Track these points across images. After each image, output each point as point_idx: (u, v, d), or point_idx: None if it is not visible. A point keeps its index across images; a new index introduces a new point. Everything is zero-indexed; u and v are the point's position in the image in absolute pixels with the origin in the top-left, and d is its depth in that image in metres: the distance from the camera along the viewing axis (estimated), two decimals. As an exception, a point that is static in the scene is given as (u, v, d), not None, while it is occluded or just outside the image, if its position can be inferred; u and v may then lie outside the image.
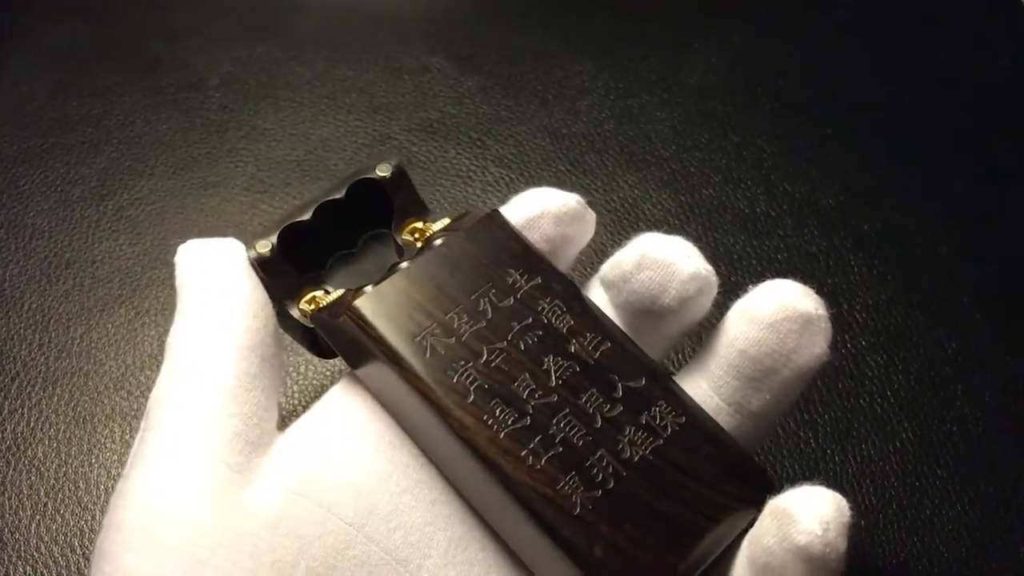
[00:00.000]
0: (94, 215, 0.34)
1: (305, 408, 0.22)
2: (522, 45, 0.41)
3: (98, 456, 0.28)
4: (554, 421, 0.19)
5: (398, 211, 0.23)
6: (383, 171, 0.23)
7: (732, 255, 0.34)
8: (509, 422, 0.19)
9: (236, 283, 0.21)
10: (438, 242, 0.21)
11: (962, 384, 0.31)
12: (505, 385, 0.19)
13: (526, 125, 0.38)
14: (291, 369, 0.30)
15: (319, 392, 0.29)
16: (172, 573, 0.17)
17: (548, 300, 0.20)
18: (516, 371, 0.19)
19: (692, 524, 0.18)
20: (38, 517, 0.27)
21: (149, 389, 0.30)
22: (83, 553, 0.27)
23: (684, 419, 0.19)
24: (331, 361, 0.30)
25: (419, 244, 0.23)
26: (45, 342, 0.31)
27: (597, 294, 0.22)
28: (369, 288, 0.20)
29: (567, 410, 0.19)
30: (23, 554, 0.26)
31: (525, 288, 0.21)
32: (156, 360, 0.31)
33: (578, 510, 0.18)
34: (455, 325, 0.20)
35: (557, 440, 0.19)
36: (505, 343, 0.20)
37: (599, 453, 0.19)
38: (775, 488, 0.19)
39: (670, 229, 0.35)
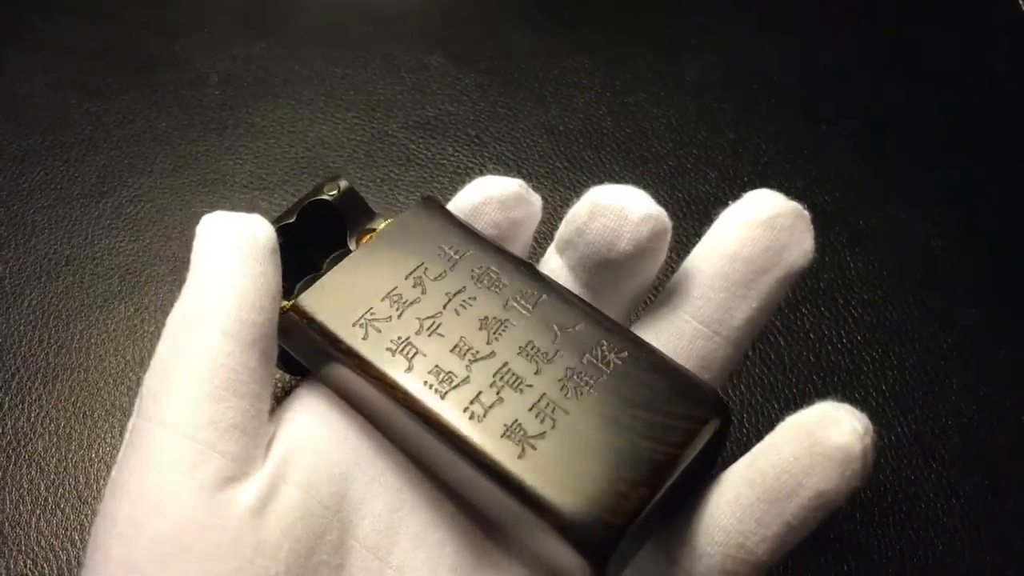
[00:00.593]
0: (94, 212, 0.35)
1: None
2: (519, 43, 0.42)
3: (98, 451, 0.29)
4: (494, 376, 0.19)
5: (350, 225, 0.24)
6: (331, 191, 0.24)
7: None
8: (447, 386, 0.19)
9: (249, 270, 0.20)
10: (376, 234, 0.22)
11: (957, 378, 0.31)
12: (443, 352, 0.20)
13: (523, 122, 0.38)
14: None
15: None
16: (159, 559, 0.17)
17: (480, 267, 0.21)
18: (453, 337, 0.20)
19: (644, 451, 0.18)
20: (38, 511, 0.27)
21: (149, 385, 0.30)
22: (83, 547, 0.27)
23: (626, 353, 0.19)
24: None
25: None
26: (45, 338, 0.31)
27: (553, 263, 0.23)
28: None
29: (506, 364, 0.19)
30: (24, 548, 0.27)
31: (458, 261, 0.21)
32: (156, 356, 0.31)
33: (523, 454, 0.18)
34: (392, 305, 0.20)
35: (499, 393, 0.19)
36: (441, 313, 0.20)
37: (543, 398, 0.19)
38: (728, 409, 0.19)
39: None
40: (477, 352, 0.20)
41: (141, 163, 0.36)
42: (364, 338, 0.20)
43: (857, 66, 0.42)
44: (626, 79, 0.40)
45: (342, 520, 0.20)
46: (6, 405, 0.29)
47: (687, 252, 0.34)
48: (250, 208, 0.35)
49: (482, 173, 0.37)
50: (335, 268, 0.21)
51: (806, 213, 0.21)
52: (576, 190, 0.36)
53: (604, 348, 0.20)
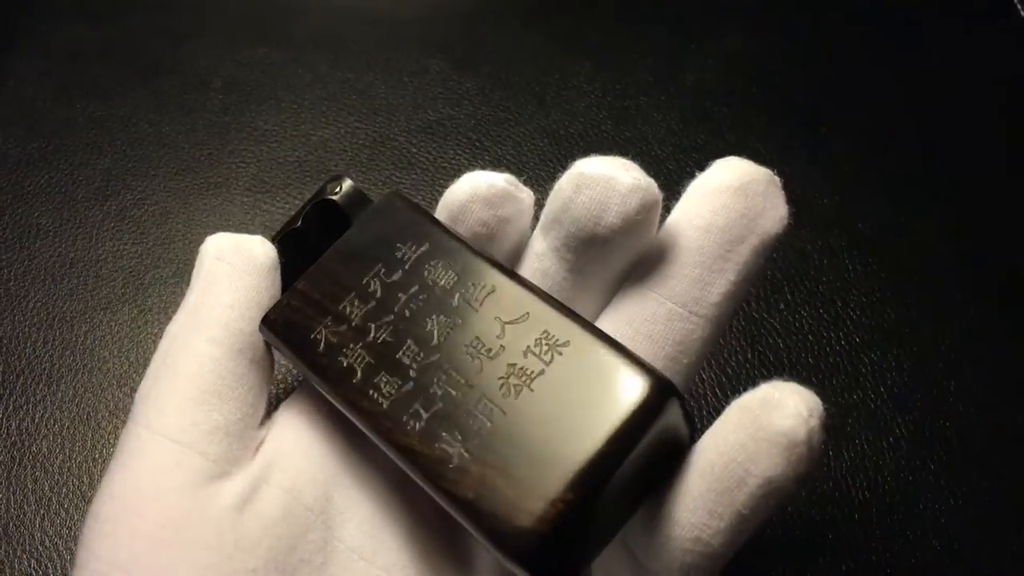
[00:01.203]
0: (98, 215, 0.35)
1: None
2: (520, 47, 0.42)
3: (101, 452, 0.29)
4: (435, 380, 0.19)
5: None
6: (331, 190, 0.24)
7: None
8: (392, 391, 0.19)
9: (242, 284, 0.21)
10: (339, 239, 0.22)
11: (955, 380, 0.31)
12: (389, 356, 0.19)
13: (524, 126, 0.39)
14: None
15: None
16: (140, 555, 0.18)
17: (433, 263, 0.20)
18: (400, 340, 0.20)
19: (576, 452, 0.17)
20: (42, 512, 0.27)
21: (152, 386, 0.31)
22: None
23: (569, 345, 0.18)
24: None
25: None
26: (49, 340, 0.31)
27: (538, 246, 0.21)
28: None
29: (449, 364, 0.19)
30: (28, 548, 0.27)
31: (412, 258, 0.21)
32: (159, 357, 0.31)
33: (455, 463, 0.17)
34: (347, 313, 0.20)
35: (438, 397, 0.18)
36: (392, 316, 0.20)
37: (480, 400, 0.18)
38: (678, 396, 0.17)
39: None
40: (424, 355, 0.19)
41: (145, 167, 0.37)
42: (321, 351, 0.20)
43: (857, 70, 0.42)
44: (626, 83, 0.41)
45: (326, 522, 0.20)
46: (11, 406, 0.30)
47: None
48: (252, 211, 0.35)
49: (483, 176, 0.37)
50: (297, 281, 0.21)
51: (777, 179, 0.20)
52: (576, 193, 0.36)
53: (546, 341, 0.18)
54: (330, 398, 0.20)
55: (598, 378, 0.17)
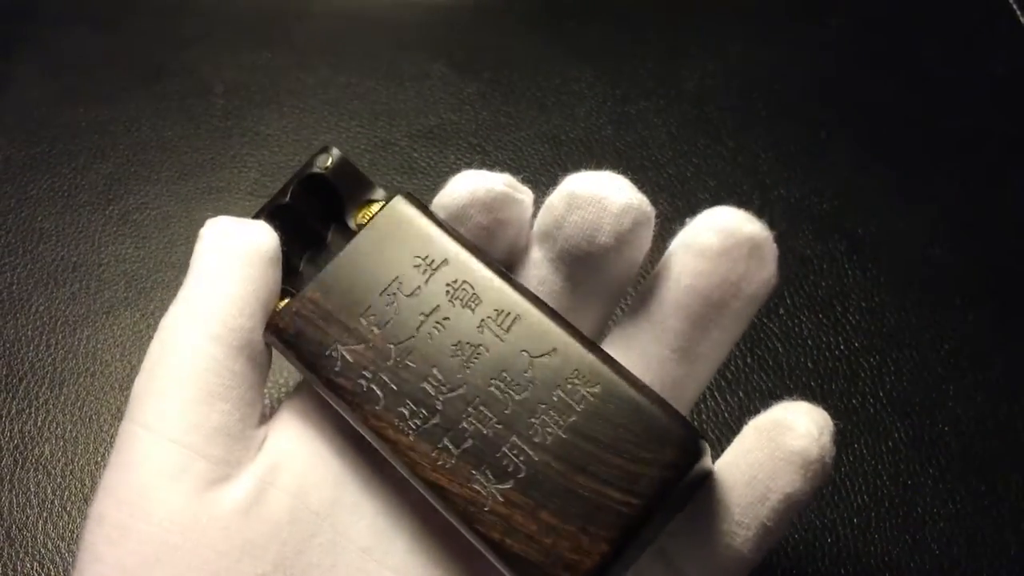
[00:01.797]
0: (100, 220, 0.35)
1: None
2: (521, 52, 0.42)
3: (104, 455, 0.29)
4: (464, 414, 0.18)
5: (348, 198, 0.23)
6: (322, 163, 0.23)
7: (728, 258, 0.35)
8: (418, 422, 0.18)
9: (243, 276, 0.20)
10: (350, 243, 0.21)
11: (954, 385, 0.31)
12: (414, 384, 0.19)
13: (525, 131, 0.39)
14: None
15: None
16: (147, 559, 0.18)
17: (455, 282, 0.20)
18: (424, 367, 0.19)
19: (609, 501, 0.17)
20: (45, 514, 0.28)
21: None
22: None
23: (599, 387, 0.18)
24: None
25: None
26: (52, 344, 0.31)
27: (535, 254, 0.21)
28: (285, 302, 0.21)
29: (477, 399, 0.18)
30: (30, 551, 0.27)
31: (432, 274, 0.20)
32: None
33: (489, 505, 0.18)
34: (363, 329, 0.19)
35: (467, 434, 0.18)
36: (413, 338, 0.19)
37: (511, 440, 0.18)
38: (706, 451, 0.18)
39: (667, 233, 0.35)
40: (449, 384, 0.19)
41: (147, 171, 0.37)
42: (339, 369, 0.19)
43: (856, 75, 0.42)
44: (627, 88, 0.41)
45: (334, 524, 0.20)
46: (13, 409, 0.30)
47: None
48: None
49: (484, 181, 0.37)
50: (308, 286, 0.20)
51: (766, 235, 0.19)
52: (577, 198, 0.37)
53: (577, 380, 0.18)
54: (348, 419, 0.19)
55: (631, 426, 0.17)
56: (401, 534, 0.20)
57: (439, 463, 0.18)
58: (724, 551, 0.18)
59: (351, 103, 0.40)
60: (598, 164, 0.38)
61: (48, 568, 0.27)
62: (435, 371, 0.19)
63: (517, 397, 0.18)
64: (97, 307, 0.32)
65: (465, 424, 0.18)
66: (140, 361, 0.31)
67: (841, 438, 0.30)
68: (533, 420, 0.18)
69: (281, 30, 0.43)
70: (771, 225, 0.36)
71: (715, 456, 0.19)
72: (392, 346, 0.19)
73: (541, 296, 0.20)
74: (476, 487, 0.18)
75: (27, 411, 0.30)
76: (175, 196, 0.36)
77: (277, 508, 0.19)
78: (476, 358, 0.19)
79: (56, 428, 0.29)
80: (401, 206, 0.21)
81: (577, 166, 0.38)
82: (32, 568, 0.27)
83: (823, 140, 0.39)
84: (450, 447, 0.18)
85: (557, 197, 0.20)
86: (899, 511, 0.29)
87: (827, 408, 0.31)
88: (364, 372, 0.19)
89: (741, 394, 0.31)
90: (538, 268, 0.21)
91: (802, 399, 0.19)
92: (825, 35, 0.44)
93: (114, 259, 0.34)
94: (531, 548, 0.17)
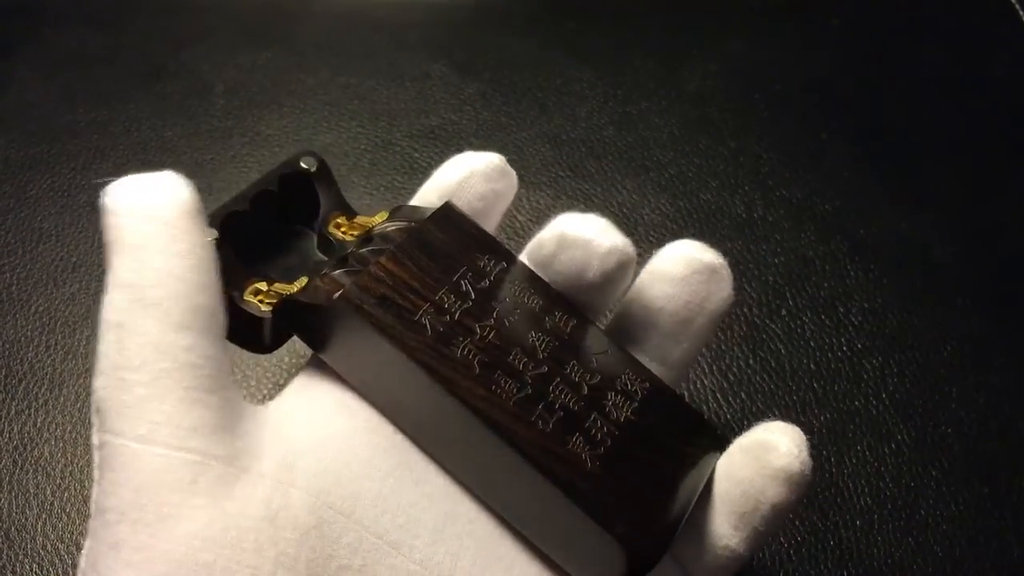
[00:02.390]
0: (100, 220, 0.35)
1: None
2: (522, 52, 0.42)
3: (104, 456, 0.29)
4: (550, 389, 0.20)
5: (324, 204, 0.24)
6: (307, 164, 0.24)
7: (729, 260, 0.34)
8: (514, 391, 0.20)
9: (184, 246, 0.18)
10: (397, 230, 0.22)
11: (957, 386, 0.31)
12: (502, 359, 0.20)
13: (526, 131, 0.39)
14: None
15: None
16: None
17: (517, 283, 0.22)
18: (508, 346, 0.20)
19: (676, 474, 0.20)
20: (44, 516, 0.27)
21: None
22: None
23: (648, 384, 0.22)
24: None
25: (349, 237, 0.23)
26: (52, 344, 0.31)
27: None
28: (337, 273, 0.20)
29: (558, 379, 0.20)
30: (29, 552, 0.27)
31: (495, 272, 0.22)
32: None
33: (589, 466, 0.19)
34: (446, 305, 0.20)
35: (557, 406, 0.20)
36: (492, 321, 0.21)
37: (593, 416, 0.20)
38: (726, 441, 0.21)
39: (668, 233, 0.35)
40: (532, 365, 0.20)
41: (147, 171, 0.36)
42: (426, 332, 0.20)
43: (858, 75, 0.42)
44: (628, 88, 0.41)
45: (360, 520, 0.19)
46: (13, 410, 0.30)
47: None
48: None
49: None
50: (381, 259, 0.20)
51: (721, 263, 0.22)
52: (579, 199, 0.37)
53: (630, 377, 0.21)
54: (438, 387, 0.19)
55: (678, 417, 0.22)
56: (424, 526, 0.19)
57: (539, 428, 0.19)
58: (722, 551, 0.20)
59: (351, 103, 0.39)
60: (599, 164, 0.38)
61: (47, 569, 0.27)
62: (518, 351, 0.20)
63: (589, 382, 0.21)
64: (97, 308, 0.32)
65: (552, 398, 0.20)
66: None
67: (844, 440, 0.30)
68: (606, 402, 0.20)
69: (281, 30, 0.42)
70: (773, 226, 0.36)
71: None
72: (476, 324, 0.20)
73: None
74: (575, 451, 0.19)
75: (27, 412, 0.30)
76: (175, 196, 0.36)
77: (301, 511, 0.18)
78: (550, 347, 0.21)
79: (56, 429, 0.29)
80: (454, 210, 0.23)
81: (578, 167, 0.38)
82: (31, 569, 0.26)
83: (825, 141, 0.39)
84: (545, 415, 0.20)
85: (548, 235, 0.22)
86: (902, 513, 0.28)
87: (830, 409, 0.31)
88: (454, 341, 0.20)
89: (744, 395, 0.31)
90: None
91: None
92: (826, 35, 0.44)
93: (114, 259, 0.34)
94: (625, 509, 0.19)
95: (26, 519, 0.27)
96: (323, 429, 0.20)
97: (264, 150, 0.38)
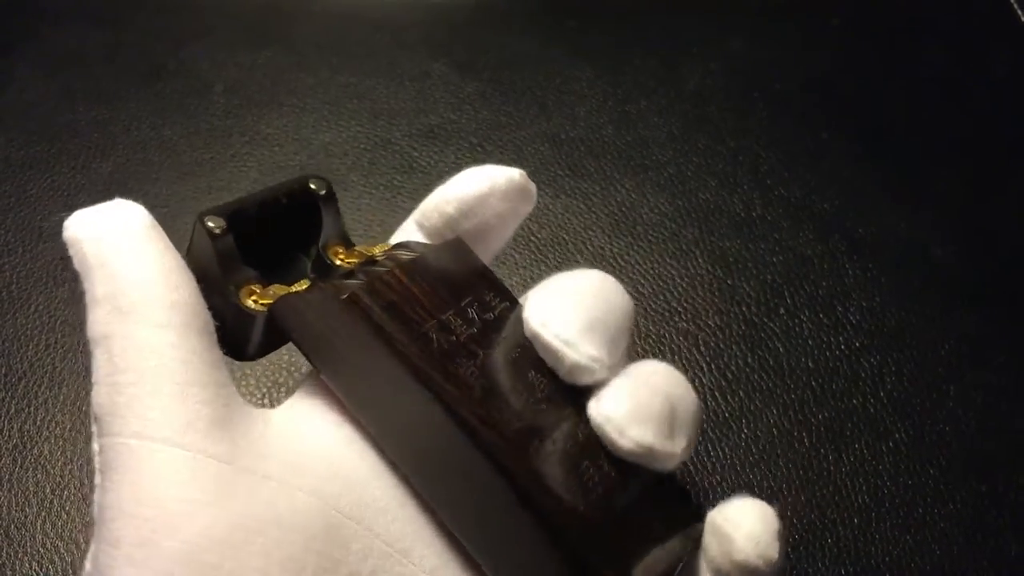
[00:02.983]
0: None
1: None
2: (521, 51, 0.42)
3: (103, 454, 0.29)
4: (547, 427, 0.19)
5: (326, 230, 0.23)
6: (317, 186, 0.23)
7: (728, 258, 0.35)
8: (513, 421, 0.19)
9: (148, 254, 0.19)
10: (404, 255, 0.21)
11: (954, 385, 0.31)
12: (503, 388, 0.19)
13: (525, 130, 0.39)
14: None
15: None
16: None
17: (520, 324, 0.21)
18: (509, 379, 0.20)
19: (664, 534, 0.20)
20: (43, 513, 0.28)
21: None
22: (88, 549, 0.27)
23: None
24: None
25: (347, 264, 0.22)
26: (52, 343, 0.31)
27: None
28: (345, 280, 0.20)
29: (555, 419, 0.20)
30: (29, 550, 0.27)
31: (500, 308, 0.21)
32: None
33: (581, 508, 0.19)
34: (452, 326, 0.20)
35: (552, 445, 0.19)
36: (495, 351, 0.20)
37: (585, 463, 0.19)
38: (701, 508, 0.21)
39: (667, 232, 0.35)
40: (532, 401, 0.20)
41: (147, 170, 0.37)
42: (430, 346, 0.19)
43: (857, 75, 0.42)
44: (627, 87, 0.41)
45: (370, 526, 0.19)
46: (12, 408, 0.30)
47: (690, 259, 0.34)
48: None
49: (484, 180, 0.37)
50: (392, 268, 0.20)
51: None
52: (578, 198, 0.37)
53: None
54: (437, 405, 0.19)
55: (665, 485, 0.21)
56: (435, 536, 0.19)
57: (533, 466, 0.19)
58: None
59: (351, 102, 0.40)
60: (598, 163, 0.38)
61: (47, 567, 0.27)
62: (519, 385, 0.20)
63: (585, 431, 0.20)
64: (96, 306, 0.32)
65: (551, 436, 0.19)
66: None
67: (842, 438, 0.30)
68: (598, 452, 0.20)
69: (281, 29, 0.43)
70: (772, 225, 0.36)
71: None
72: (480, 350, 0.20)
73: None
74: (567, 493, 0.19)
75: (26, 410, 0.30)
76: (175, 195, 0.36)
77: (309, 514, 0.18)
78: (548, 388, 0.20)
79: (55, 427, 0.29)
80: (464, 245, 0.23)
81: (577, 166, 0.38)
82: (31, 567, 0.27)
83: (824, 140, 0.39)
84: (540, 450, 0.19)
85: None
86: (900, 511, 0.29)
87: (827, 408, 0.31)
88: (457, 360, 0.19)
89: (742, 393, 0.31)
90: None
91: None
92: (825, 35, 0.44)
93: (114, 258, 0.34)
94: (617, 563, 0.19)
95: (25, 517, 0.27)
96: (331, 435, 0.20)
97: (264, 149, 0.38)
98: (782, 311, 0.33)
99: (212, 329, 0.19)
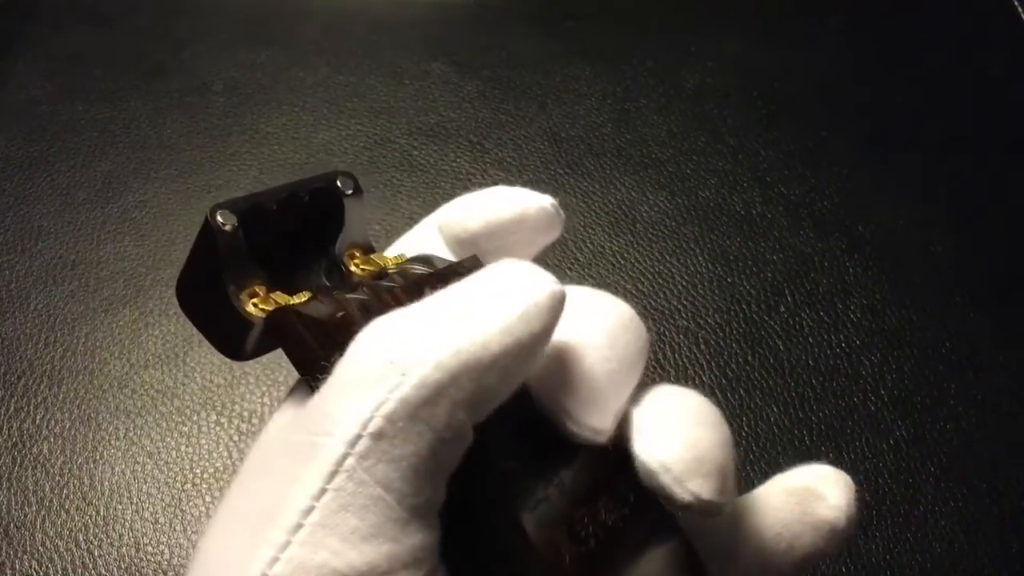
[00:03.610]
0: (99, 217, 0.35)
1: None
2: (521, 50, 0.42)
3: (102, 453, 0.29)
4: (565, 468, 0.19)
5: (348, 231, 0.22)
6: (344, 185, 0.22)
7: (728, 256, 0.35)
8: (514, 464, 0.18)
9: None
10: (415, 271, 0.20)
11: (955, 382, 0.31)
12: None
13: (525, 128, 0.39)
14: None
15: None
16: None
17: None
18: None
19: None
20: (43, 512, 0.27)
21: (153, 388, 0.31)
22: (87, 548, 0.27)
23: (632, 497, 0.19)
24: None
25: (361, 272, 0.21)
26: (51, 341, 0.31)
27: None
28: (346, 296, 0.19)
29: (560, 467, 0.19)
30: (28, 549, 0.27)
31: None
32: (159, 359, 0.31)
33: (567, 561, 0.18)
34: None
35: (555, 483, 0.19)
36: None
37: (582, 511, 0.19)
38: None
39: (667, 231, 0.35)
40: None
41: (146, 169, 0.37)
42: None
43: (856, 73, 0.42)
44: (627, 86, 0.41)
45: None
46: (12, 407, 0.30)
47: (690, 257, 0.34)
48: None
49: (484, 179, 0.37)
50: (395, 290, 0.19)
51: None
52: (578, 196, 0.37)
53: (621, 485, 0.19)
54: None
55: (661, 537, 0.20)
56: None
57: (527, 507, 0.18)
58: None
59: (351, 101, 0.40)
60: (598, 162, 0.38)
61: (47, 566, 0.27)
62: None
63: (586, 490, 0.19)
64: (96, 305, 0.32)
65: (552, 482, 0.19)
66: (139, 359, 0.31)
67: (842, 436, 0.30)
68: (598, 501, 0.19)
69: (280, 28, 0.43)
70: (772, 223, 0.36)
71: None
72: None
73: None
74: (555, 542, 0.18)
75: (25, 409, 0.30)
76: (175, 194, 0.36)
77: None
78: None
79: (55, 426, 0.29)
80: (480, 265, 0.21)
81: (577, 164, 0.38)
82: (30, 566, 0.26)
83: (823, 138, 0.39)
84: (538, 493, 0.18)
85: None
86: (900, 509, 0.28)
87: (828, 405, 0.31)
88: None
89: (742, 391, 0.31)
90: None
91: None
92: (825, 34, 0.44)
93: (113, 257, 0.34)
94: None
95: (25, 516, 0.27)
96: None
97: (263, 148, 0.38)
98: (782, 309, 0.33)
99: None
